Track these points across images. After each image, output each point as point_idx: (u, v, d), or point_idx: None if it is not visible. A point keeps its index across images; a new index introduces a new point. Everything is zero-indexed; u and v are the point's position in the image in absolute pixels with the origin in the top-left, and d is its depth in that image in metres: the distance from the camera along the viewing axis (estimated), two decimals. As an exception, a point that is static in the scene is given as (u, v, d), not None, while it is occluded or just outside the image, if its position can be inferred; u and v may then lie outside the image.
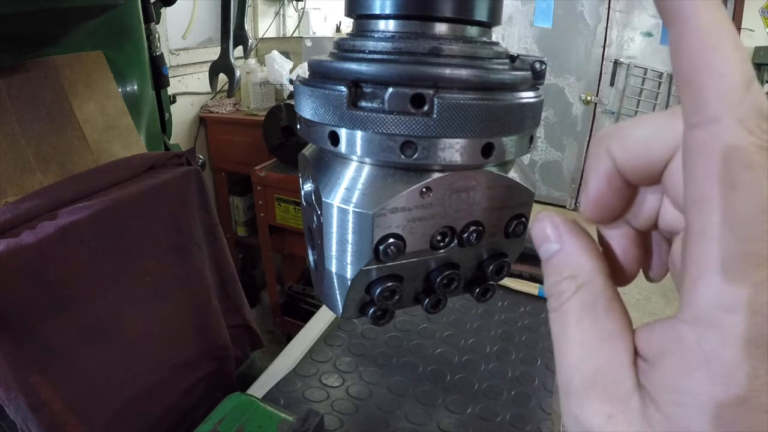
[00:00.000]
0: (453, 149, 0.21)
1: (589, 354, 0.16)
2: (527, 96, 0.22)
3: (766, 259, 0.12)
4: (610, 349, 0.16)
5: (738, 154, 0.12)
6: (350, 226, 0.22)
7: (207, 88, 1.46)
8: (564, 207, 3.87)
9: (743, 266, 0.12)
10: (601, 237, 0.20)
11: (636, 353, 0.16)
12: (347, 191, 0.22)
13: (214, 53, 1.07)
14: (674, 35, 0.14)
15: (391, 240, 0.22)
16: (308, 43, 2.26)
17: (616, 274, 0.20)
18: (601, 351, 0.16)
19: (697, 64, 0.13)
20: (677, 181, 0.16)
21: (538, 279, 0.96)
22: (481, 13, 0.22)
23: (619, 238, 0.20)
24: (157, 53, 0.87)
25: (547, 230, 0.18)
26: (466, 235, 0.23)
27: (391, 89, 0.20)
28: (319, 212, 0.24)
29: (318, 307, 0.95)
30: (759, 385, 0.12)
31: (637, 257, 0.20)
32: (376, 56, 0.21)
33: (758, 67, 3.02)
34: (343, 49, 0.23)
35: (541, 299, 0.93)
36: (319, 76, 0.23)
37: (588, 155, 0.19)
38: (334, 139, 0.22)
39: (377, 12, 0.22)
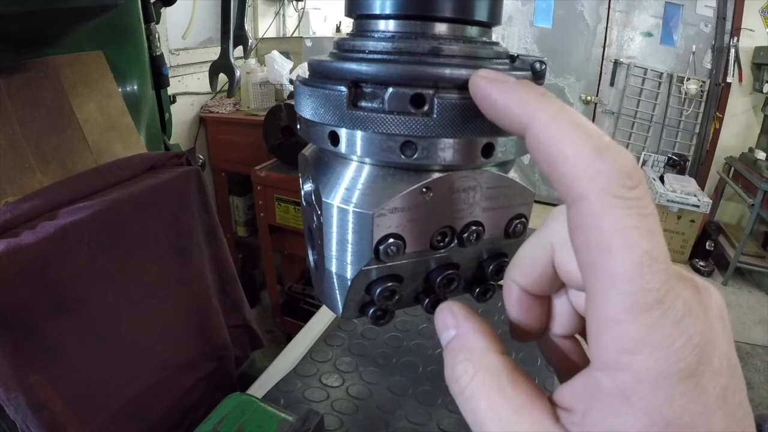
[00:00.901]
0: (453, 149, 0.21)
1: (510, 429, 0.16)
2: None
3: (650, 304, 0.14)
4: (528, 418, 0.16)
5: (608, 221, 0.14)
6: (350, 226, 0.22)
7: (207, 88, 1.46)
8: (564, 207, 3.87)
9: (633, 315, 0.14)
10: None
11: (560, 410, 0.16)
12: (347, 191, 0.22)
13: (214, 53, 1.07)
14: (527, 143, 0.16)
15: (391, 240, 0.22)
16: (308, 43, 2.26)
17: (526, 334, 0.22)
18: (519, 423, 0.16)
19: (551, 158, 0.15)
20: (564, 269, 0.19)
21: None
22: (481, 13, 0.22)
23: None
24: (157, 53, 0.87)
25: (446, 319, 0.20)
26: (466, 235, 0.23)
27: (391, 89, 0.20)
28: (319, 212, 0.24)
29: (318, 307, 0.95)
30: (677, 408, 0.14)
31: (540, 317, 0.22)
32: (376, 56, 0.21)
33: (758, 67, 3.02)
34: (343, 49, 0.23)
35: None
36: (319, 76, 0.23)
37: (503, 291, 0.22)
38: (334, 139, 0.22)
39: (377, 12, 0.22)
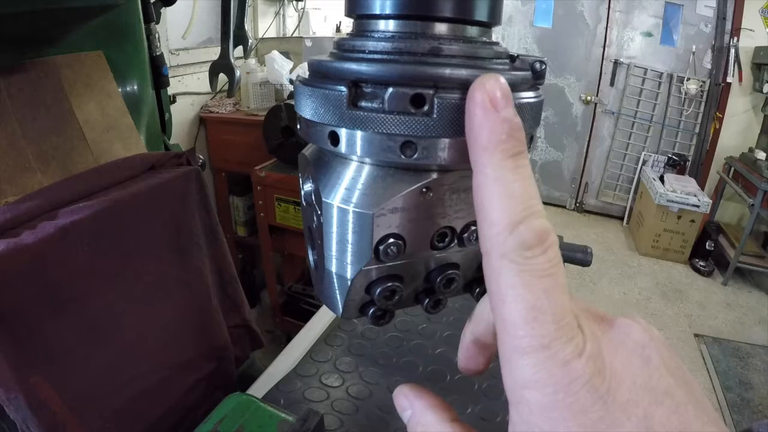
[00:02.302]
0: (453, 149, 0.21)
1: None
2: (527, 96, 0.22)
3: (535, 348, 0.16)
4: None
5: (504, 278, 0.17)
6: (350, 226, 0.22)
7: (207, 88, 1.46)
8: (564, 207, 3.87)
9: (519, 356, 0.16)
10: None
11: None
12: (347, 191, 0.22)
13: (214, 53, 1.07)
14: (473, 181, 0.18)
15: (391, 240, 0.22)
16: (308, 43, 2.26)
17: (470, 372, 0.25)
18: None
19: (479, 210, 0.18)
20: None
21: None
22: (481, 13, 0.22)
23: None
24: (157, 53, 0.87)
25: (402, 401, 0.23)
26: (466, 235, 0.23)
27: (391, 89, 0.20)
28: (319, 212, 0.24)
29: (318, 307, 0.95)
30: None
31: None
32: (376, 56, 0.21)
33: (758, 67, 3.02)
34: (343, 49, 0.23)
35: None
36: (319, 76, 0.23)
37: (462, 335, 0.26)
38: (334, 139, 0.22)
39: (377, 12, 0.22)
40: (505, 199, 0.17)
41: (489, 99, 0.18)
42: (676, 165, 3.27)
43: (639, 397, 0.16)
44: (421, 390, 0.23)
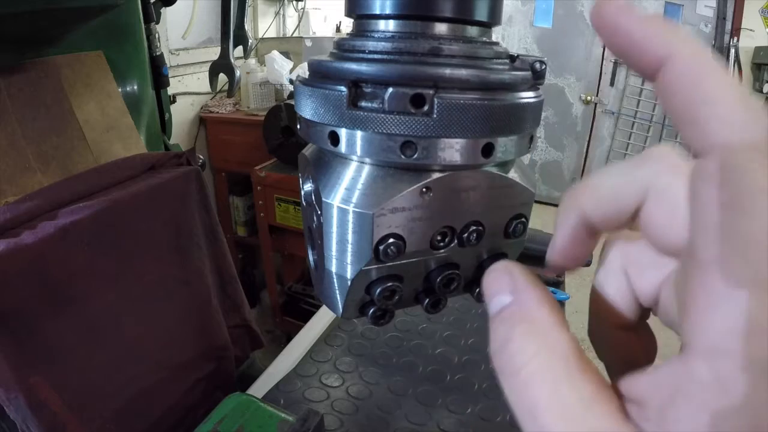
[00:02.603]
0: (453, 149, 0.21)
1: (577, 427, 0.13)
2: (527, 96, 0.22)
3: None
4: (599, 413, 0.13)
5: (751, 177, 0.12)
6: (350, 226, 0.22)
7: (207, 88, 1.46)
8: (564, 207, 3.86)
9: (758, 288, 0.11)
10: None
11: (629, 404, 0.14)
12: (347, 191, 0.22)
13: (214, 53, 1.07)
14: (661, 79, 0.14)
15: (391, 240, 0.22)
16: (308, 43, 2.26)
17: (564, 265, 0.19)
18: (588, 419, 0.13)
19: (691, 99, 0.13)
20: (657, 223, 0.16)
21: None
22: (481, 13, 0.22)
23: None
24: (157, 53, 0.87)
25: (502, 281, 0.17)
26: (466, 235, 0.23)
27: (391, 89, 0.20)
28: (319, 212, 0.24)
29: (318, 307, 0.95)
30: None
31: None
32: (376, 56, 0.21)
33: (758, 67, 3.02)
34: (343, 49, 0.23)
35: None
36: (319, 76, 0.23)
37: (559, 207, 0.19)
38: (334, 139, 0.22)
39: (377, 12, 0.22)
40: (718, 71, 0.13)
41: (621, 5, 0.15)
42: (676, 165, 3.26)
43: None
44: (534, 275, 0.17)
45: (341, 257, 0.23)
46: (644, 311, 0.19)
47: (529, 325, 0.15)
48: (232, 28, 0.93)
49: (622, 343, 0.19)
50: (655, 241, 0.17)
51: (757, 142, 0.12)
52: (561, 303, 0.92)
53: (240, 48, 1.03)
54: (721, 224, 0.12)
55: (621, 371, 0.17)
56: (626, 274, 0.18)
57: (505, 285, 0.17)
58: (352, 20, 0.25)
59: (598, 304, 0.19)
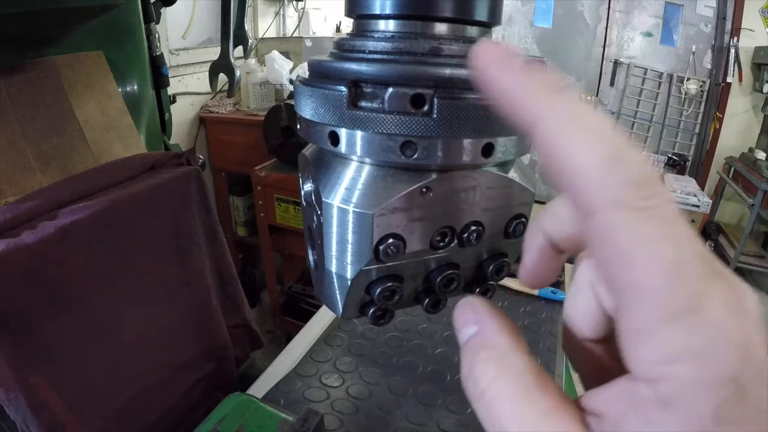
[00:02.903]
0: (453, 149, 0.21)
1: None
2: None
3: (685, 312, 0.13)
4: (557, 424, 0.15)
5: (625, 235, 0.13)
6: (350, 226, 0.22)
7: (207, 88, 1.46)
8: (564, 207, 3.86)
9: (668, 325, 0.13)
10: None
11: (589, 416, 0.15)
12: (347, 191, 0.22)
13: (214, 53, 1.07)
14: (534, 141, 0.15)
15: (391, 240, 0.22)
16: (308, 43, 2.26)
17: (535, 283, 0.21)
18: (546, 429, 0.15)
19: (559, 166, 0.14)
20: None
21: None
22: (482, 13, 0.22)
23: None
24: (157, 53, 0.87)
25: (467, 314, 0.18)
26: (466, 235, 0.23)
27: (391, 89, 0.20)
28: (319, 212, 0.24)
29: (318, 307, 0.95)
30: (719, 416, 0.13)
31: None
32: (376, 56, 0.21)
33: (758, 67, 3.02)
34: (343, 49, 0.23)
35: (541, 299, 0.93)
36: (319, 76, 0.23)
37: (527, 230, 0.21)
38: (334, 139, 0.22)
39: (377, 12, 0.22)
40: (586, 136, 0.14)
41: (499, 56, 0.15)
42: (676, 165, 3.26)
43: (763, 372, 0.13)
44: (495, 307, 0.18)
45: (341, 257, 0.23)
46: (614, 324, 0.20)
47: (490, 352, 0.17)
48: (232, 28, 0.93)
49: (593, 354, 0.20)
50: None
51: (622, 202, 0.13)
52: (561, 303, 0.92)
53: (240, 48, 1.03)
54: (619, 278, 0.13)
55: (593, 382, 0.19)
56: (594, 289, 0.19)
57: (470, 318, 0.18)
58: (352, 20, 0.25)
59: (569, 318, 0.20)
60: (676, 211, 0.14)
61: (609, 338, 0.20)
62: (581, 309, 0.20)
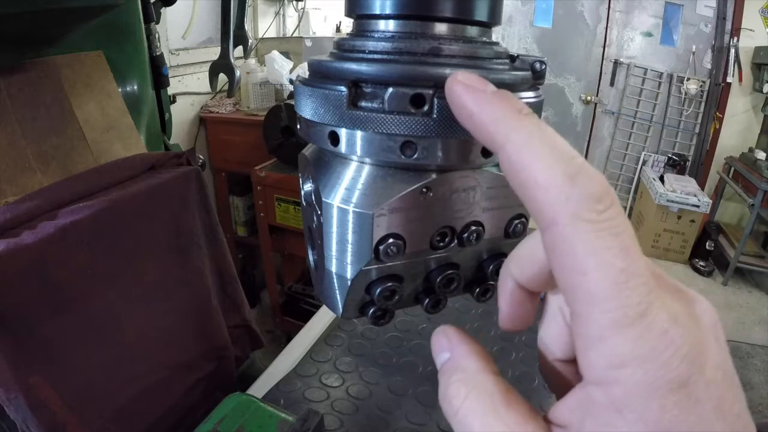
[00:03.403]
0: (453, 149, 0.21)
1: None
2: (527, 96, 0.22)
3: (633, 319, 0.14)
4: None
5: (580, 245, 0.14)
6: (350, 226, 0.22)
7: (207, 88, 1.46)
8: (564, 207, 3.86)
9: (616, 331, 0.14)
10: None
11: (555, 428, 0.16)
12: (347, 191, 0.22)
13: (214, 53, 1.07)
14: (500, 160, 0.16)
15: (391, 240, 0.22)
16: (308, 43, 2.26)
17: (514, 325, 0.22)
18: None
19: (522, 182, 0.15)
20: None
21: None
22: (481, 13, 0.22)
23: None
24: (157, 53, 0.87)
25: (441, 342, 0.20)
26: (466, 235, 0.23)
27: (391, 89, 0.20)
28: (319, 212, 0.24)
29: (318, 307, 0.95)
30: (671, 419, 0.14)
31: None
32: (376, 56, 0.21)
33: (758, 67, 3.02)
34: (343, 49, 0.23)
35: (540, 300, 0.93)
36: (319, 76, 0.23)
37: (499, 279, 0.22)
38: (334, 139, 0.22)
39: (377, 12, 0.22)
40: (549, 154, 0.15)
41: (470, 85, 0.17)
42: (676, 165, 3.26)
43: (717, 376, 0.14)
44: (465, 334, 0.20)
45: (341, 257, 0.23)
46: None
47: (461, 374, 0.18)
48: (232, 28, 0.93)
49: (564, 374, 0.21)
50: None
51: (579, 214, 0.14)
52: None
53: (240, 48, 1.03)
54: (577, 287, 0.15)
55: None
56: (562, 313, 0.20)
57: (444, 344, 0.20)
58: (352, 20, 0.25)
59: (542, 340, 0.21)
60: (628, 226, 0.15)
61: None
62: (552, 332, 0.21)
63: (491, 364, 0.19)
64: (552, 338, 0.21)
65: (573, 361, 0.21)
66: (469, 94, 0.17)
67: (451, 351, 0.19)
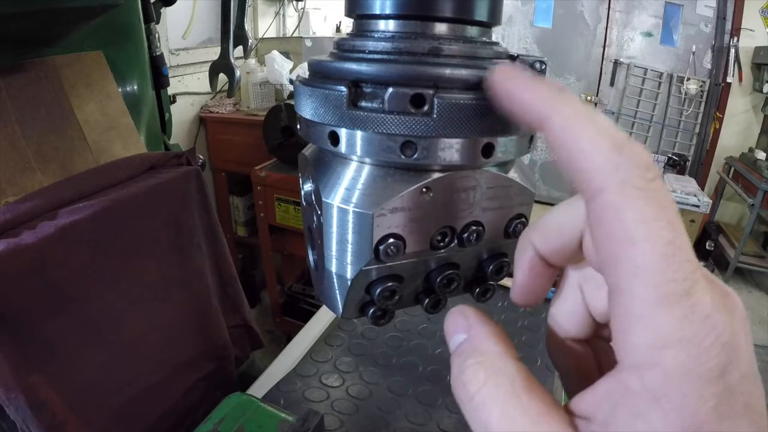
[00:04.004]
0: (453, 149, 0.21)
1: None
2: (527, 96, 0.22)
3: (679, 296, 0.13)
4: (546, 428, 0.15)
5: (630, 212, 0.14)
6: (350, 226, 0.22)
7: (207, 88, 1.46)
8: (564, 207, 3.86)
9: (662, 308, 0.13)
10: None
11: (578, 419, 0.15)
12: (347, 191, 0.22)
13: (214, 53, 1.07)
14: (546, 136, 0.16)
15: (391, 240, 0.22)
16: (308, 43, 2.26)
17: (526, 299, 0.21)
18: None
19: (570, 152, 0.15)
20: (590, 248, 0.18)
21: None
22: (481, 13, 0.22)
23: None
24: (157, 53, 0.87)
25: (458, 322, 0.19)
26: (466, 235, 0.23)
27: (391, 89, 0.20)
28: (319, 212, 0.24)
29: (318, 307, 0.95)
30: (708, 410, 0.13)
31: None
32: (376, 56, 0.21)
33: (758, 67, 3.02)
34: (343, 49, 0.23)
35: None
36: (319, 76, 0.23)
37: (516, 249, 0.21)
38: (334, 139, 0.22)
39: (377, 12, 0.22)
40: (594, 125, 0.15)
41: (512, 74, 0.18)
42: (676, 165, 3.26)
43: (749, 371, 0.14)
44: (485, 315, 0.19)
45: (341, 257, 0.23)
46: (599, 327, 0.20)
47: (479, 357, 0.17)
48: (232, 28, 0.93)
49: (575, 353, 0.20)
50: (593, 265, 0.18)
51: (629, 181, 0.14)
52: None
53: (240, 48, 1.03)
54: (623, 258, 0.14)
55: (573, 381, 0.20)
56: (581, 291, 0.20)
57: (460, 325, 0.19)
58: (352, 20, 0.25)
59: (554, 317, 0.21)
60: (673, 200, 0.14)
61: (593, 341, 0.21)
62: (568, 308, 0.20)
63: (512, 348, 0.17)
64: (566, 315, 0.20)
65: (585, 341, 0.21)
66: (513, 81, 0.17)
67: (469, 332, 0.18)
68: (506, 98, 0.18)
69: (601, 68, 3.41)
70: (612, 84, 3.42)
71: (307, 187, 0.26)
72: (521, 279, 0.20)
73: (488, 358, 0.17)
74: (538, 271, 0.20)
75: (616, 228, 0.14)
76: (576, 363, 0.20)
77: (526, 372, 0.17)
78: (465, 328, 0.18)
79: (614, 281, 0.14)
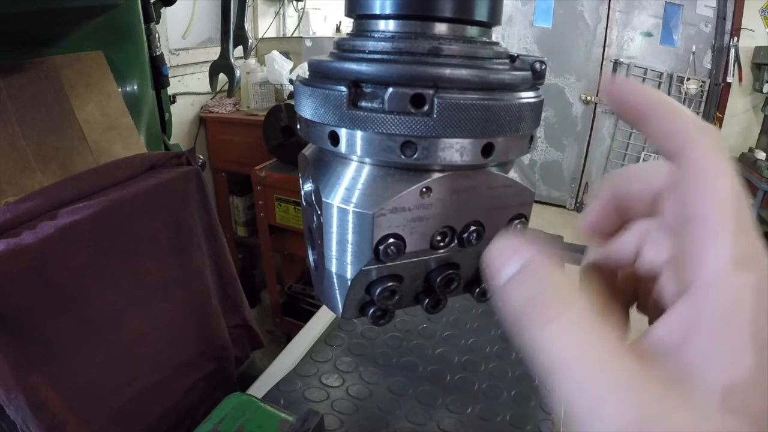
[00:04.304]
0: (453, 149, 0.21)
1: (611, 377, 0.14)
2: (527, 96, 0.22)
3: (748, 225, 0.15)
4: (628, 360, 0.14)
5: (712, 163, 0.16)
6: (350, 226, 0.22)
7: (207, 88, 1.46)
8: (564, 207, 3.87)
9: (741, 231, 0.15)
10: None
11: (651, 352, 0.16)
12: (347, 191, 0.22)
13: (214, 53, 1.07)
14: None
15: (391, 240, 0.22)
16: (308, 43, 2.26)
17: (593, 236, 0.22)
18: (616, 366, 0.14)
19: (667, 115, 0.18)
20: (672, 204, 0.19)
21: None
22: (481, 13, 0.22)
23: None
24: (157, 53, 0.87)
25: (506, 251, 0.17)
26: (466, 235, 0.23)
27: (391, 89, 0.20)
28: (319, 212, 0.24)
29: (318, 307, 0.95)
30: None
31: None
32: (376, 56, 0.21)
33: (758, 67, 3.02)
34: (343, 49, 0.23)
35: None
36: (319, 76, 0.23)
37: (597, 189, 0.22)
38: (334, 139, 0.22)
39: (377, 12, 0.22)
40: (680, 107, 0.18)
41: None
42: (676, 165, 3.26)
43: None
44: (535, 240, 0.18)
45: (341, 257, 0.23)
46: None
47: (551, 284, 0.16)
48: (232, 28, 0.93)
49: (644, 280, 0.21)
50: (668, 220, 0.20)
51: (715, 145, 0.16)
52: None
53: (240, 48, 1.03)
54: (703, 189, 0.16)
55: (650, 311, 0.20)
56: (639, 243, 0.21)
57: (511, 252, 0.17)
58: (352, 20, 0.25)
59: (604, 254, 0.22)
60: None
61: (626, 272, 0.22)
62: (624, 250, 0.21)
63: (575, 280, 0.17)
64: (616, 257, 0.21)
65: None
66: (641, 97, 0.19)
67: (529, 257, 0.17)
68: (639, 120, 0.18)
69: (601, 68, 3.41)
70: (612, 84, 3.41)
71: (307, 187, 0.27)
72: (592, 214, 0.22)
73: (561, 287, 0.16)
74: (607, 212, 0.21)
75: (703, 168, 0.16)
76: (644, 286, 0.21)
77: (598, 301, 0.16)
78: (521, 255, 0.17)
79: (695, 212, 0.16)
